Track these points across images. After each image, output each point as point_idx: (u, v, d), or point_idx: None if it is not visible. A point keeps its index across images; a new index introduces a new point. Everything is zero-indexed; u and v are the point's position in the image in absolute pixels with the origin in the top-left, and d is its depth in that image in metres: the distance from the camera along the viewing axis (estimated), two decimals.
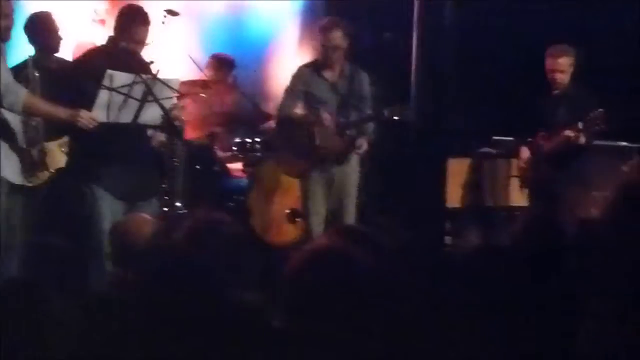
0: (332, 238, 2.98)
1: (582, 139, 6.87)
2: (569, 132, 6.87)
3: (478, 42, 8.85)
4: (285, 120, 6.94)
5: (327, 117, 6.72)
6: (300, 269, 2.36)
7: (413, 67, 8.82)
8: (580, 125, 6.84)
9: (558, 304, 2.72)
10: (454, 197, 8.24)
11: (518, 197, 7.67)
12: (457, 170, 8.25)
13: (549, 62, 7.11)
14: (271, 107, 8.04)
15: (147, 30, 5.92)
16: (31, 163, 6.22)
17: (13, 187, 6.08)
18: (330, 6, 8.71)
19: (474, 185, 8.26)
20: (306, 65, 7.00)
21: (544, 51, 7.15)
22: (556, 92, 7.15)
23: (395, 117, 6.82)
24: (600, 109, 6.80)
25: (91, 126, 5.58)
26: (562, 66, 7.06)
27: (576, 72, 7.11)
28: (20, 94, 5.62)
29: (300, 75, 6.90)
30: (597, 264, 3.21)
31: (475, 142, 8.46)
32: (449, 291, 2.90)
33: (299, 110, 6.84)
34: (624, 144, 8.05)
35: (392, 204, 8.20)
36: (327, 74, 6.83)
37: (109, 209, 5.78)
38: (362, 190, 7.09)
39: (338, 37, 6.71)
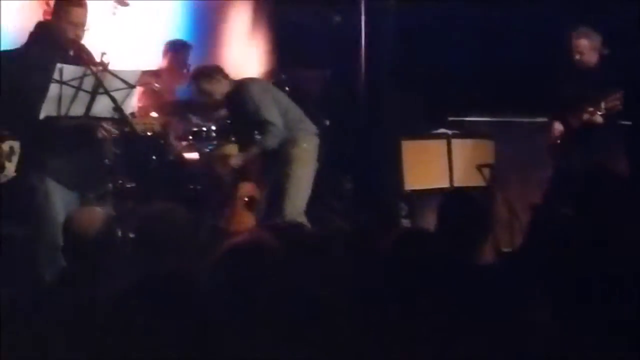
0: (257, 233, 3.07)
1: (603, 119, 7.12)
2: (592, 111, 7.10)
3: None
4: None
5: None
6: (217, 260, 2.47)
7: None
8: (602, 104, 7.08)
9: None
10: (411, 179, 8.20)
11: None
12: (413, 152, 8.23)
13: (572, 43, 7.38)
14: None
15: (83, 13, 5.88)
16: None
17: None
18: None
19: (435, 167, 8.24)
20: None
21: None
22: (578, 71, 7.37)
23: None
24: (621, 90, 7.02)
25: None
26: (582, 47, 7.33)
27: (600, 53, 7.33)
28: None
29: None
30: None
31: (430, 123, 8.47)
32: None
33: None
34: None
35: (347, 188, 8.19)
36: None
37: (62, 201, 5.79)
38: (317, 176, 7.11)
39: None
